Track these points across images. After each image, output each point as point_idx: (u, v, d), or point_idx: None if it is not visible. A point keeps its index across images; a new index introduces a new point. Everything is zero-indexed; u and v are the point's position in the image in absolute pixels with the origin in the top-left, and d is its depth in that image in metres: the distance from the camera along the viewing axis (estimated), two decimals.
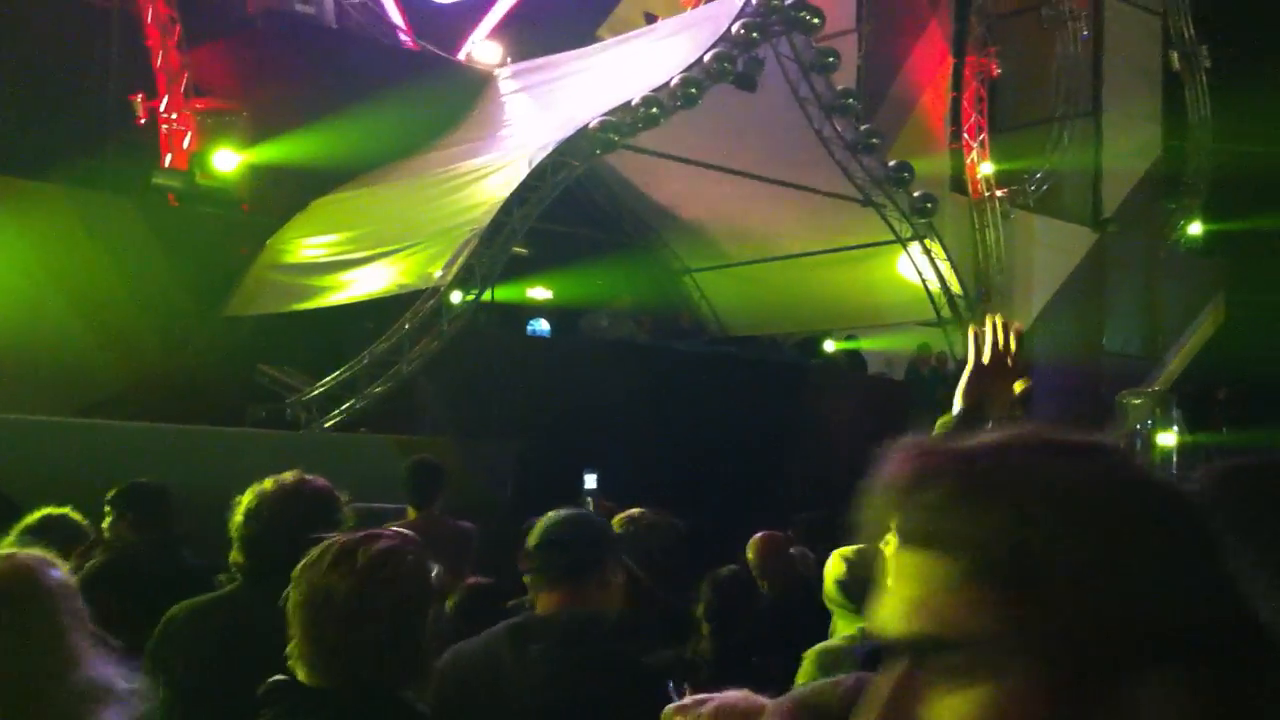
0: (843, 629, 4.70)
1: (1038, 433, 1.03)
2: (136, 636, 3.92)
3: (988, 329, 2.97)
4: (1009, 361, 2.97)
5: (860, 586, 4.62)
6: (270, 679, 2.49)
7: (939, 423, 2.94)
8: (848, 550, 4.86)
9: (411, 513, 7.05)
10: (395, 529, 2.70)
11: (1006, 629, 0.92)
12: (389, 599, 2.34)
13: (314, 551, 2.48)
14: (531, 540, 3.51)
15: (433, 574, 2.47)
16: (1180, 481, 1.06)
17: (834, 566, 4.84)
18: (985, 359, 2.93)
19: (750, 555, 6.61)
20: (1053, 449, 1.01)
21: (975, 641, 0.92)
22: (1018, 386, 3.01)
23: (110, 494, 5.87)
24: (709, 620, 5.43)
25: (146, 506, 5.88)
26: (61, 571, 2.28)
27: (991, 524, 0.95)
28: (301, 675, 2.40)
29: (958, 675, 0.94)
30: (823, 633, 4.99)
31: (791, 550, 6.98)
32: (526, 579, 3.55)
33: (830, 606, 4.83)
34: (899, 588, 0.98)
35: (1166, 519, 0.97)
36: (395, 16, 17.67)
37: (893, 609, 0.98)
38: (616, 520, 5.17)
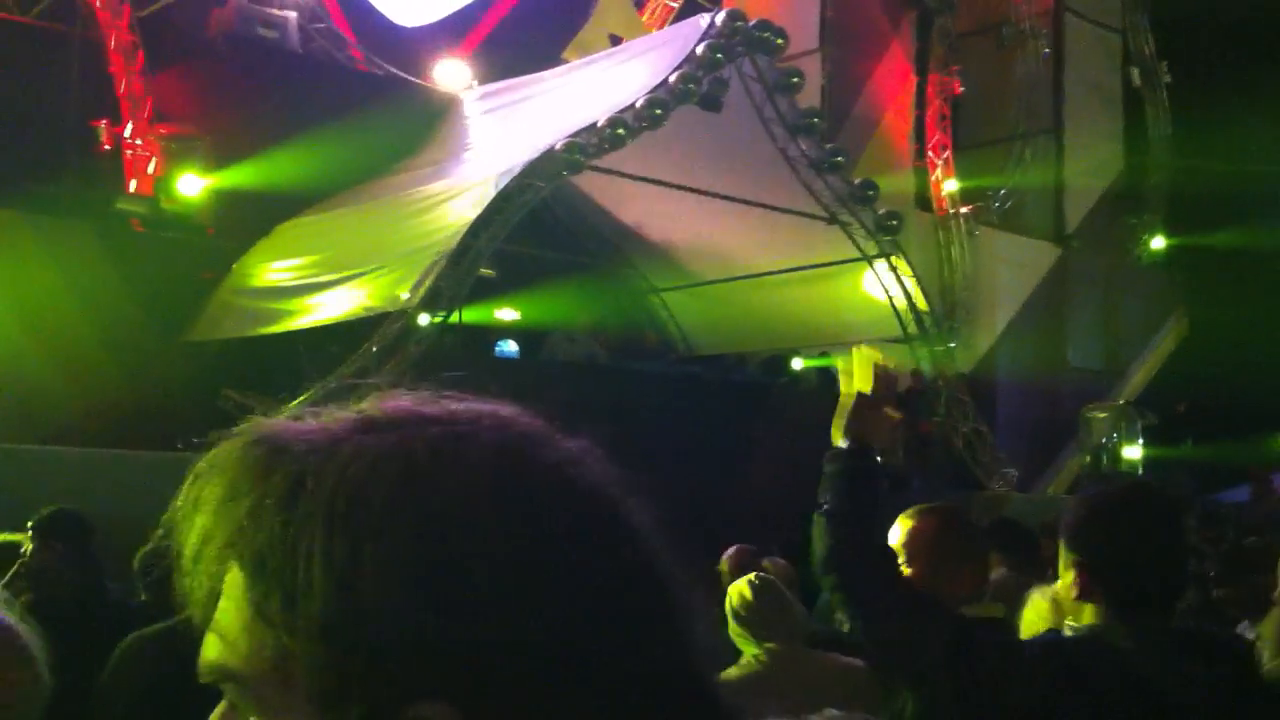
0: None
1: (388, 405, 0.85)
2: (65, 674, 3.88)
3: (857, 361, 2.96)
4: (886, 391, 2.97)
5: (758, 613, 4.59)
6: None
7: (826, 461, 2.93)
8: (745, 581, 4.80)
9: None
10: None
11: (274, 656, 0.75)
12: None
13: None
14: None
15: None
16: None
17: (732, 596, 4.75)
18: (869, 390, 2.92)
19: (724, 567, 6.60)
20: (368, 426, 0.82)
21: (254, 673, 0.76)
22: (894, 416, 3.01)
23: (34, 520, 5.66)
24: None
25: (73, 536, 5.73)
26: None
27: (239, 521, 0.78)
28: None
29: (259, 713, 0.77)
30: None
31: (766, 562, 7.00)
32: None
33: (731, 637, 4.73)
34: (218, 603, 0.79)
35: (485, 517, 0.76)
36: (359, 40, 17.65)
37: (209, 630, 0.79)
38: None
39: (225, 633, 0.78)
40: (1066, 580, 2.54)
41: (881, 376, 2.96)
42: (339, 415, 0.85)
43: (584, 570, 0.77)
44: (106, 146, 14.89)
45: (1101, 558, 2.45)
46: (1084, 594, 2.47)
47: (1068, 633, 3.56)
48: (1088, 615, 2.48)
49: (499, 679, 0.72)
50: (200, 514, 0.82)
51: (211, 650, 0.79)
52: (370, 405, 0.87)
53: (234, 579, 0.78)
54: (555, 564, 0.76)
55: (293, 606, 0.74)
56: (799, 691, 4.08)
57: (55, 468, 9.94)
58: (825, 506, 2.83)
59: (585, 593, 0.76)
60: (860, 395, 2.94)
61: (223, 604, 0.80)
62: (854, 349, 3.01)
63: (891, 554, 3.08)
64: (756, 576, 4.77)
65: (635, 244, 18.60)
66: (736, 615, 4.61)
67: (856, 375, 2.94)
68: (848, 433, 2.92)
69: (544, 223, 17.34)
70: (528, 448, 0.83)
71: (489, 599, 0.73)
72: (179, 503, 0.85)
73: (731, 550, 6.70)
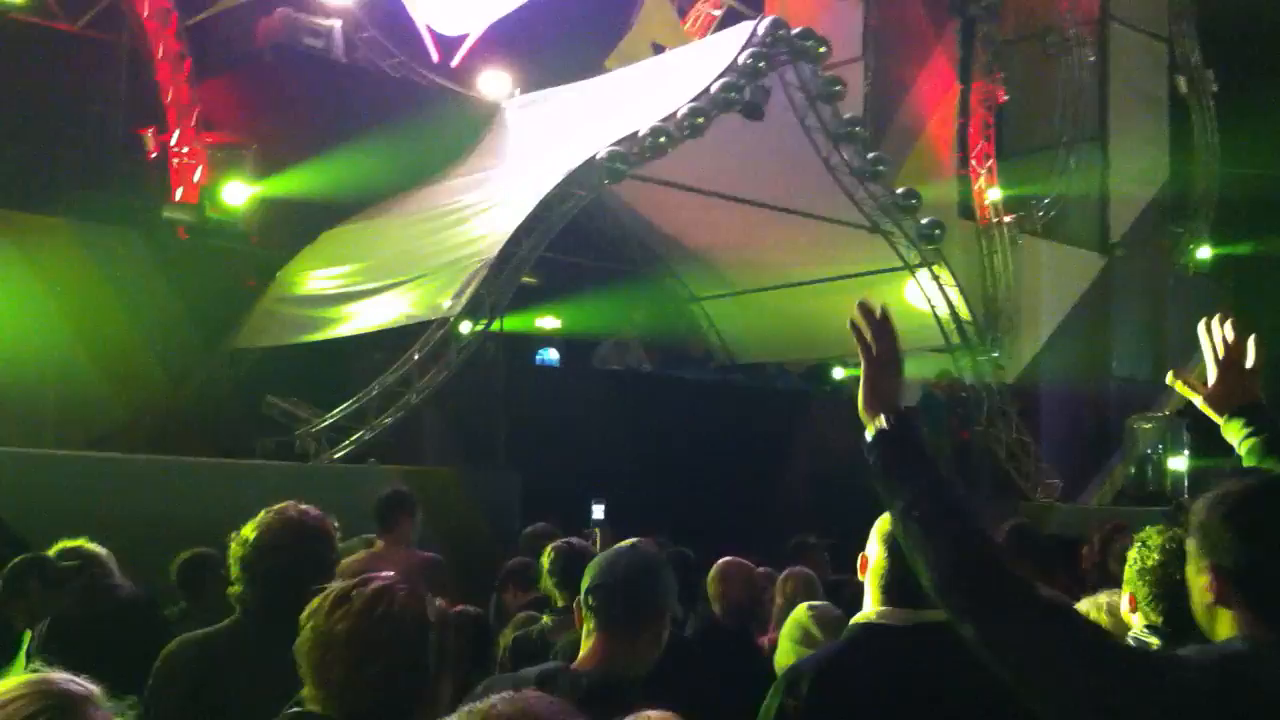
0: None
1: None
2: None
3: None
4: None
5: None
6: (289, 710, 2.57)
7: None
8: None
9: (378, 544, 7.18)
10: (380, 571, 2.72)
11: None
12: (385, 636, 2.46)
13: (317, 599, 2.58)
14: (594, 577, 3.22)
15: (428, 606, 2.55)
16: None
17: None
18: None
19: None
20: None
21: None
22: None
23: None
24: None
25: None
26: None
27: None
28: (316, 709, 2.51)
29: None
30: None
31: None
32: (585, 615, 3.22)
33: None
34: None
35: None
36: (408, 48, 17.74)
37: None
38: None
39: None
40: (1200, 584, 2.29)
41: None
42: None
43: None
44: (153, 154, 15.02)
45: (1245, 561, 2.22)
46: (1220, 600, 2.24)
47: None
48: (1223, 626, 2.27)
49: None
50: None
51: None
52: None
53: None
54: None
55: None
56: None
57: (100, 473, 10.02)
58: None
59: None
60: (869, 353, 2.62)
61: None
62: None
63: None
64: None
65: (676, 252, 18.59)
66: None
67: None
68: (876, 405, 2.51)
69: (585, 231, 17.36)
70: None
71: None
72: None
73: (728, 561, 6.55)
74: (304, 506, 3.85)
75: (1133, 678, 2.14)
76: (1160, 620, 3.66)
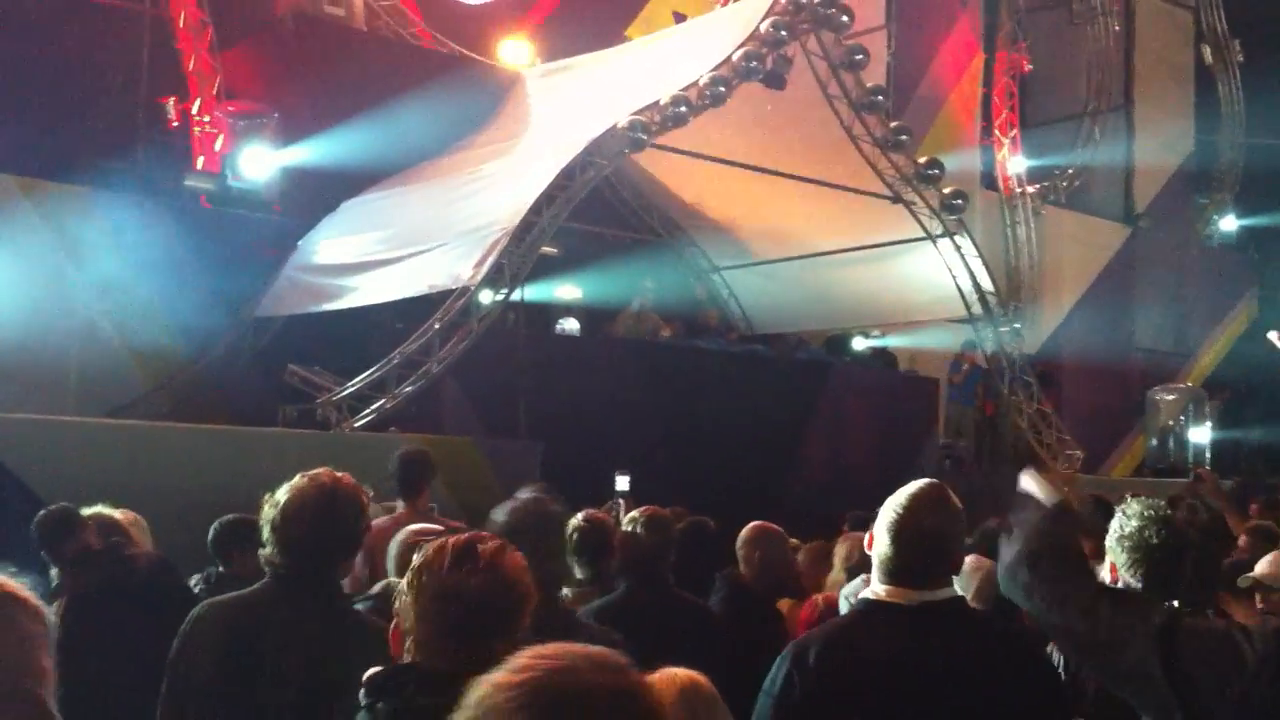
0: None
1: None
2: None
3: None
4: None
5: None
6: (379, 668, 2.64)
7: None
8: None
9: (401, 506, 6.97)
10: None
11: None
12: (513, 592, 2.63)
13: (427, 551, 2.69)
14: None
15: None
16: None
17: None
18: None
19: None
20: None
21: None
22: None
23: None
24: None
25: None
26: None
27: None
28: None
29: None
30: None
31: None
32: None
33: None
34: None
35: None
36: (424, 17, 17.68)
37: None
38: (628, 519, 5.25)
39: None
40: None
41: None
42: None
43: None
44: (175, 123, 15.02)
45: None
46: None
47: None
48: None
49: None
50: None
51: None
52: None
53: None
54: None
55: None
56: None
57: (122, 441, 10.07)
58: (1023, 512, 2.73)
59: None
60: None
61: None
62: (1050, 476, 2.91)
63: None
64: None
65: (697, 222, 18.55)
66: None
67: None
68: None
69: (606, 200, 17.34)
70: None
71: None
72: None
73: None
74: (338, 474, 3.86)
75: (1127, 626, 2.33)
76: (1140, 585, 3.68)
